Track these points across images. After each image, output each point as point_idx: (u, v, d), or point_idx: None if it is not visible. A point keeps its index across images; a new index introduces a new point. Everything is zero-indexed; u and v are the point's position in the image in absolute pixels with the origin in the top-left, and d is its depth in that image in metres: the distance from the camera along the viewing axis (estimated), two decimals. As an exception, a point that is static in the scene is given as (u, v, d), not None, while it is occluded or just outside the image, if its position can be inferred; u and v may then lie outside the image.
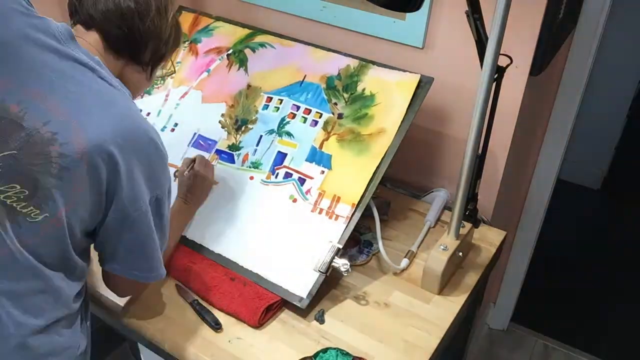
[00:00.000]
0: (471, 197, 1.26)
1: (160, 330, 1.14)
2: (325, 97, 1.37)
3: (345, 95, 1.35)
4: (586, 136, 2.82)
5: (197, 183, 1.29)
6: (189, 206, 1.29)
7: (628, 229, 2.84)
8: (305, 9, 1.55)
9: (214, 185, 1.35)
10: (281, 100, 1.40)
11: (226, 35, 1.55)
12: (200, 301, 1.19)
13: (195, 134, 1.44)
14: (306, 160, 1.32)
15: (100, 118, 0.86)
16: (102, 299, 1.19)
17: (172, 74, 1.54)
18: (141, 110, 1.51)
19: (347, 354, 1.07)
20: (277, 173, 1.33)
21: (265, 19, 1.63)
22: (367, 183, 1.24)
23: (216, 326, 1.13)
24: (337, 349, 1.08)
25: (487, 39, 1.03)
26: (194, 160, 1.33)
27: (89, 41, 0.97)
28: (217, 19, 1.59)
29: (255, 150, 1.37)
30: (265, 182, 1.33)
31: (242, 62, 1.49)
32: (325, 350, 1.08)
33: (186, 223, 1.29)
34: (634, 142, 3.13)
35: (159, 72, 1.24)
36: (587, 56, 1.59)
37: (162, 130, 1.47)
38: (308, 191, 1.29)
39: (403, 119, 1.28)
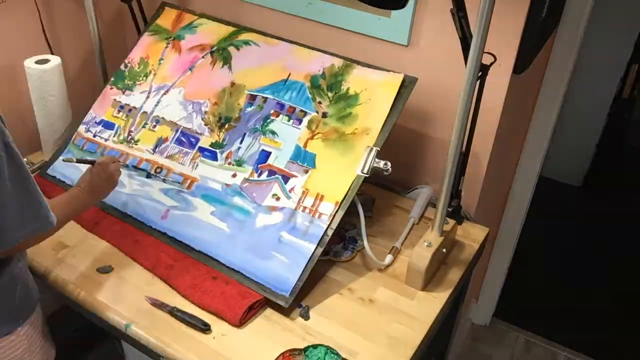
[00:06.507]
0: (455, 193, 1.27)
1: (146, 327, 1.13)
2: (310, 95, 1.36)
3: (330, 95, 1.35)
4: (568, 134, 2.85)
5: (92, 178, 1.26)
6: (80, 193, 1.23)
7: (609, 225, 2.88)
8: (291, 5, 1.55)
9: (196, 180, 1.35)
10: (265, 99, 1.40)
11: (210, 32, 1.54)
12: (180, 307, 1.16)
13: (177, 130, 1.44)
14: (290, 159, 1.32)
15: None
16: (84, 297, 1.18)
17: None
18: (125, 105, 1.50)
19: (337, 354, 1.07)
20: (261, 171, 1.32)
21: (250, 14, 1.63)
22: (350, 182, 1.25)
23: (204, 327, 1.12)
24: (328, 347, 1.08)
25: (471, 37, 1.04)
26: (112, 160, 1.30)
27: None
28: (201, 15, 1.58)
29: (239, 148, 1.37)
30: (248, 180, 1.33)
31: (226, 60, 1.48)
32: (315, 346, 1.08)
33: (76, 212, 1.24)
34: (615, 140, 3.17)
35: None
36: (570, 55, 1.61)
37: (144, 126, 1.47)
38: (292, 189, 1.28)
39: (387, 117, 1.28)
